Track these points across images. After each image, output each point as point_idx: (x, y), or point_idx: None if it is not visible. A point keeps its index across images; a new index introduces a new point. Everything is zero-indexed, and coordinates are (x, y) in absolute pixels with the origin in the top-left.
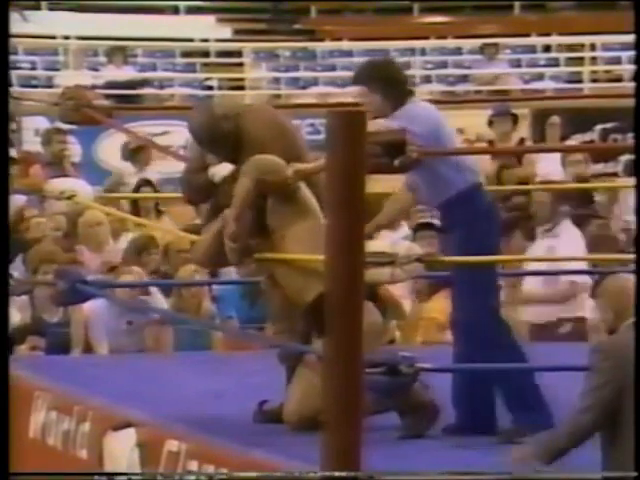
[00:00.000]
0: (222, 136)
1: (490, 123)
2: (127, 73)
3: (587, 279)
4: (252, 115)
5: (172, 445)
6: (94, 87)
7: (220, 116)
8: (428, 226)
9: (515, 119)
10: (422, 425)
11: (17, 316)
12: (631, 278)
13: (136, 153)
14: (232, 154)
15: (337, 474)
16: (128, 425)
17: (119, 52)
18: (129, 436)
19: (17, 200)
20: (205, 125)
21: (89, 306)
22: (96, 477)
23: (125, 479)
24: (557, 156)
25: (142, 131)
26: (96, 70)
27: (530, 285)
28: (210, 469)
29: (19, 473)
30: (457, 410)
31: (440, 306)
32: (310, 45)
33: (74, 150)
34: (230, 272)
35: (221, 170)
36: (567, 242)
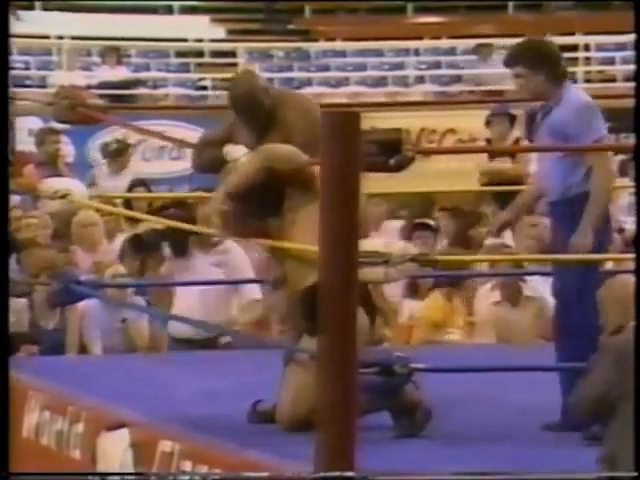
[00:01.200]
0: (258, 107)
1: (488, 123)
2: (121, 73)
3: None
4: (292, 99)
5: (165, 445)
6: (88, 87)
7: (262, 88)
8: (424, 226)
9: (513, 119)
10: (416, 425)
11: (12, 319)
12: (625, 277)
13: (117, 156)
14: (262, 129)
15: (331, 474)
16: (122, 425)
17: (112, 52)
18: (122, 436)
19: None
20: (246, 91)
21: (83, 305)
22: (89, 477)
23: (119, 479)
24: None
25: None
26: (90, 70)
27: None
28: (204, 469)
29: (19, 473)
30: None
31: (436, 305)
32: (304, 45)
33: (67, 150)
34: None
35: (236, 151)
36: (238, 257)
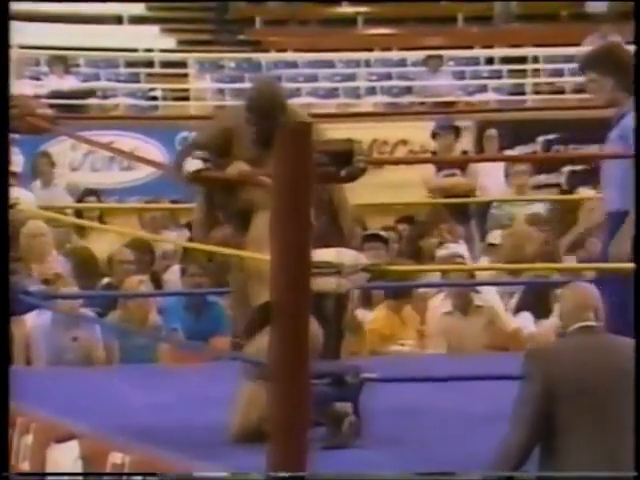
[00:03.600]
0: (274, 120)
1: (434, 135)
2: (69, 83)
3: None
4: (300, 117)
5: (116, 457)
6: (37, 97)
7: (282, 105)
8: (375, 237)
9: (457, 132)
10: (341, 437)
11: None
12: (589, 286)
13: (42, 170)
14: (266, 139)
15: (282, 475)
16: (71, 437)
17: (60, 62)
18: (72, 448)
19: None
20: (269, 102)
21: (32, 320)
22: (89, 478)
23: None
24: (500, 168)
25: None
26: (38, 80)
27: None
28: None
29: (19, 473)
30: None
31: (382, 317)
32: (255, 56)
33: (16, 160)
34: (175, 284)
35: (191, 165)
36: None
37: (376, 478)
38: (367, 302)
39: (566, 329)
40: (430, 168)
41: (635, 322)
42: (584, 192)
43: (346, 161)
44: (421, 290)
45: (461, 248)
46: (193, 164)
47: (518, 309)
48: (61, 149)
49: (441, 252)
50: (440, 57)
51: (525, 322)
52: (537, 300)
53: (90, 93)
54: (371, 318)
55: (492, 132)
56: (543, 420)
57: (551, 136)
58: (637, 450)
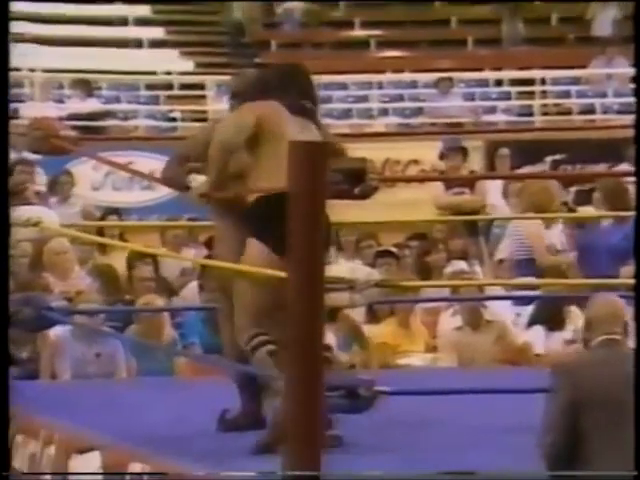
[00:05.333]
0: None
1: (442, 156)
2: (91, 105)
3: None
4: None
5: (136, 468)
6: (61, 119)
7: None
8: (387, 253)
9: (465, 152)
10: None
11: None
12: (618, 298)
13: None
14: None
15: (298, 473)
16: (93, 448)
17: (82, 84)
18: (94, 459)
19: None
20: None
21: (56, 334)
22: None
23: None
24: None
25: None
26: (62, 102)
27: None
28: None
29: (19, 473)
30: None
31: (390, 330)
32: None
33: (40, 180)
34: (193, 299)
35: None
36: None
37: (388, 478)
38: (372, 316)
39: (591, 340)
40: (439, 186)
41: (635, 323)
42: (590, 211)
43: (359, 179)
44: (431, 305)
45: (467, 265)
46: (198, 181)
47: (532, 322)
48: (83, 169)
49: (447, 269)
50: (450, 79)
51: (537, 335)
52: (551, 313)
53: (104, 115)
54: (379, 332)
55: (504, 151)
56: (571, 429)
57: (558, 156)
58: (637, 450)
